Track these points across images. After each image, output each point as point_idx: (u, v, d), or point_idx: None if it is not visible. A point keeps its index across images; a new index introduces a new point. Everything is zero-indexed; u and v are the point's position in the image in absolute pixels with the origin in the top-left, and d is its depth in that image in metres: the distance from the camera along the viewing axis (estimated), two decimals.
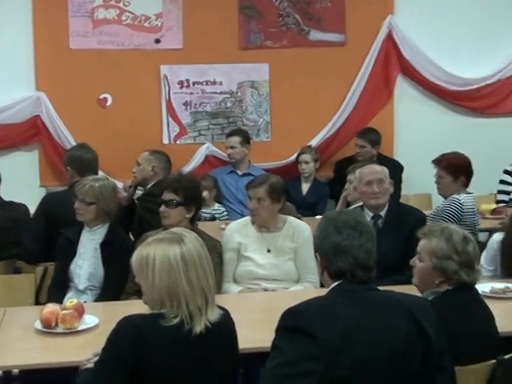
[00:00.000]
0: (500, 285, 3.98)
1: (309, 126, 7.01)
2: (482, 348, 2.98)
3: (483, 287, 3.81)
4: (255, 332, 3.28)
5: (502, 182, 6.55)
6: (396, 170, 6.50)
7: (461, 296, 3.07)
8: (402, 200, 5.97)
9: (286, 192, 4.74)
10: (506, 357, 2.93)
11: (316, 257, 2.70)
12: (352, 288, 2.58)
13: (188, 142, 7.03)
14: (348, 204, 5.46)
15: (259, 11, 6.93)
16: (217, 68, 6.97)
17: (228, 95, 7.04)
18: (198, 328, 2.57)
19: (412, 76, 7.20)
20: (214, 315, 2.64)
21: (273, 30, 6.98)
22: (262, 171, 6.22)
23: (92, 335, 3.38)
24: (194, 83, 6.99)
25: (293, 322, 2.46)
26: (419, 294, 3.11)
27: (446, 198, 5.22)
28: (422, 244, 3.20)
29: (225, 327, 2.69)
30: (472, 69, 7.20)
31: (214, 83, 7.01)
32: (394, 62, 7.13)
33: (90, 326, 3.47)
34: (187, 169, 6.69)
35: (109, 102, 6.89)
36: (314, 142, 6.98)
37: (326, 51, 7.02)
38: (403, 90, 7.23)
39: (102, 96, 6.87)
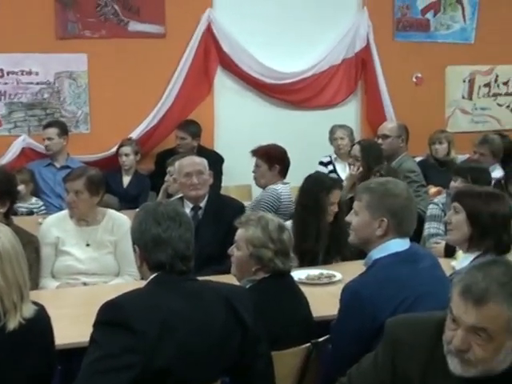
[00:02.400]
0: (315, 271, 4.14)
1: (129, 118, 6.92)
2: (297, 332, 3.09)
3: (299, 274, 3.96)
4: (73, 327, 3.23)
5: None
6: (216, 161, 6.57)
7: (276, 283, 3.17)
8: (222, 191, 6.08)
9: (107, 185, 4.68)
10: (320, 340, 3.06)
11: (134, 249, 2.68)
12: (171, 279, 2.59)
13: (3, 134, 6.75)
14: (169, 196, 5.46)
15: (76, 0, 6.76)
16: (33, 57, 6.72)
17: (45, 86, 6.82)
18: (12, 325, 2.48)
19: (231, 69, 7.29)
20: (28, 311, 2.56)
21: (91, 20, 6.82)
22: (81, 164, 6.10)
23: None
24: (8, 73, 6.72)
25: (111, 316, 2.43)
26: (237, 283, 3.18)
27: (263, 189, 5.37)
28: (239, 233, 3.26)
29: (39, 323, 2.61)
30: (289, 63, 7.37)
31: (30, 73, 6.77)
32: (213, 55, 7.18)
33: None
34: (2, 162, 6.43)
35: None
36: (134, 135, 6.91)
37: (146, 43, 6.96)
38: (223, 83, 7.31)
39: None
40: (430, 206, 4.91)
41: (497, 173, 6.04)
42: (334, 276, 4.04)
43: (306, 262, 4.32)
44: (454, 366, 2.07)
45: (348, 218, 3.27)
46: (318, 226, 4.32)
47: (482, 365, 2.04)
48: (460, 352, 2.04)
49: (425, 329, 2.22)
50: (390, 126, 6.48)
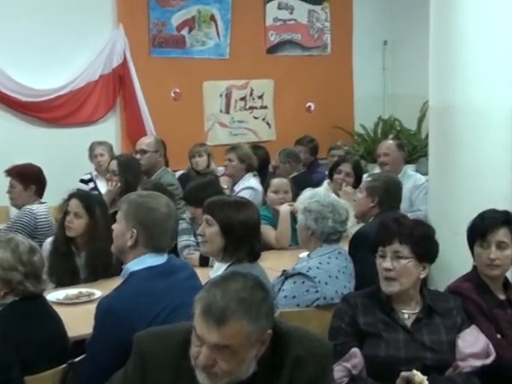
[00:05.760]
0: (74, 291, 4.06)
1: None
2: (52, 354, 3.01)
3: (57, 295, 3.93)
4: None
5: None
6: None
7: (27, 306, 3.07)
8: None
9: None
10: (76, 360, 3.00)
11: None
12: None
13: None
14: None
15: None
16: None
17: None
18: None
19: None
20: None
21: None
22: None
23: None
24: None
25: None
26: None
27: (19, 209, 5.20)
28: None
29: None
30: (44, 80, 7.19)
31: None
32: None
33: None
34: None
35: None
36: None
37: None
38: None
39: None
40: (180, 222, 5.00)
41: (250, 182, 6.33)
42: (94, 294, 3.99)
43: (67, 281, 4.23)
44: (202, 379, 2.13)
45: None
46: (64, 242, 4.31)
47: (228, 377, 2.11)
48: (206, 368, 2.09)
49: (173, 341, 2.26)
50: (147, 141, 6.53)
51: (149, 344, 2.28)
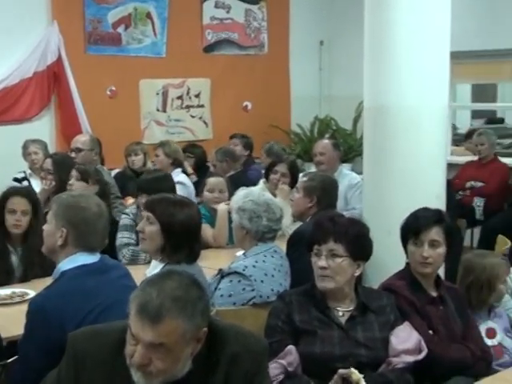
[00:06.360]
0: (7, 291, 4.00)
1: None
2: None
3: None
4: None
5: None
6: None
7: None
8: None
9: None
10: (9, 360, 2.96)
11: None
12: None
13: None
14: None
15: None
16: None
17: None
18: None
19: None
20: None
21: None
22: None
23: None
24: None
25: None
26: None
27: None
28: None
29: None
30: None
31: None
32: None
33: None
34: None
35: None
36: None
37: None
38: None
39: None
40: (122, 216, 4.96)
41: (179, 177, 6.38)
42: (27, 294, 3.92)
43: (1, 280, 4.17)
44: (138, 378, 2.12)
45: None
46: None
47: (163, 375, 2.11)
48: (141, 367, 2.08)
49: (107, 340, 2.25)
50: (82, 139, 6.47)
51: (82, 343, 2.26)
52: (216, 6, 8.79)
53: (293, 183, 5.56)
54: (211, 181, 5.51)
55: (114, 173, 6.89)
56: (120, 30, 8.06)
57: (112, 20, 7.99)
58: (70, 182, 5.28)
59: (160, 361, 2.07)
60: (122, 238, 4.84)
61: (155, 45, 8.31)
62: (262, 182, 6.12)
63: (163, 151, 6.71)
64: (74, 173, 5.38)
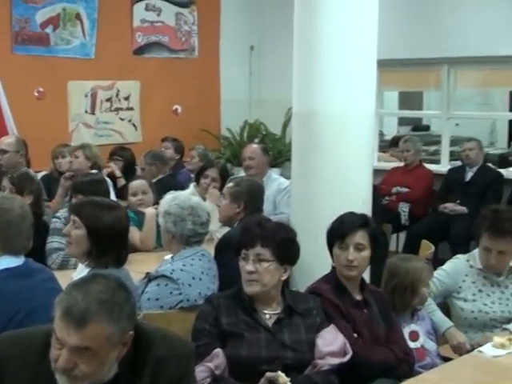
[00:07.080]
0: None
1: None
2: None
3: None
4: None
5: None
6: None
7: None
8: None
9: None
10: None
11: None
12: None
13: None
14: None
15: None
16: None
17: None
18: None
19: None
20: None
21: None
22: None
23: None
24: None
25: None
26: None
27: None
28: None
29: None
30: None
31: None
32: None
33: None
34: None
35: None
36: None
37: None
38: None
39: None
40: (53, 220, 4.88)
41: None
42: None
43: None
44: (63, 382, 2.10)
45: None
46: None
47: (88, 379, 2.09)
48: (66, 371, 2.07)
49: (31, 344, 2.22)
50: (8, 140, 6.36)
51: (6, 347, 2.22)
52: (146, 9, 8.75)
53: (223, 188, 5.57)
54: (133, 184, 5.52)
55: (40, 175, 6.77)
56: (48, 30, 7.93)
57: (40, 20, 7.86)
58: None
59: (85, 365, 2.06)
60: (53, 242, 4.73)
61: (84, 46, 8.22)
62: (192, 185, 6.12)
63: (83, 153, 6.64)
64: (7, 184, 5.10)
